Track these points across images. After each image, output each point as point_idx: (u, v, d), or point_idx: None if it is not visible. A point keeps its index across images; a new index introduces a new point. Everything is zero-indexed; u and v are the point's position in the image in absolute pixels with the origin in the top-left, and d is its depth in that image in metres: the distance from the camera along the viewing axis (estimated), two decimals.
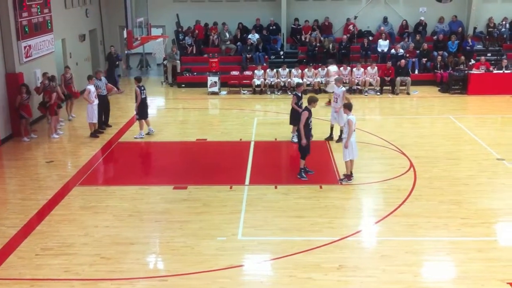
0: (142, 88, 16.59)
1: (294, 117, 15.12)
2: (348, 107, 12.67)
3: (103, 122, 17.72)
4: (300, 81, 20.78)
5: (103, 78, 17.74)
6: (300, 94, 15.31)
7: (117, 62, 23.84)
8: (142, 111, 16.64)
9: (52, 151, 15.81)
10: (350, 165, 12.74)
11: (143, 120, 16.78)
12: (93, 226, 10.77)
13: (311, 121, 12.93)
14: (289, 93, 21.58)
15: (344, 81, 22.67)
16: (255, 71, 22.93)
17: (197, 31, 25.62)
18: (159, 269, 9.44)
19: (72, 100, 19.12)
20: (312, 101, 12.97)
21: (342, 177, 12.92)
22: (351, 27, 25.57)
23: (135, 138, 16.71)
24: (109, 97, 17.99)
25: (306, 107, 12.96)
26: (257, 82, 22.74)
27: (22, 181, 13.43)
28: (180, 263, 9.36)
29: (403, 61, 22.49)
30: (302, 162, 13.13)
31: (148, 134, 16.84)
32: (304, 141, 12.69)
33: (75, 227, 10.76)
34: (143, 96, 16.50)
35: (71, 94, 18.81)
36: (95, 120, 16.88)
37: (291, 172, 13.52)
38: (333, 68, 21.51)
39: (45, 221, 11.04)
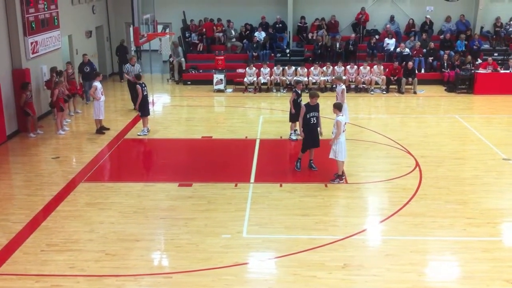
0: (143, 85, 16.65)
1: (292, 114, 15.51)
2: (337, 107, 12.60)
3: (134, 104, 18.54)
4: (300, 78, 20.80)
5: (136, 65, 18.67)
6: (299, 92, 15.40)
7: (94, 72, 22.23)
8: (143, 108, 16.73)
9: (58, 147, 15.84)
10: (341, 165, 12.71)
11: (145, 117, 16.85)
12: (98, 223, 10.79)
13: (312, 116, 13.07)
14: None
15: (350, 80, 22.74)
16: (261, 69, 22.92)
17: (205, 30, 25.58)
18: (164, 266, 9.46)
19: (76, 96, 19.17)
20: (311, 96, 13.15)
21: (333, 177, 12.83)
22: (362, 17, 25.43)
23: (138, 135, 16.73)
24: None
25: (307, 102, 13.26)
26: (262, 80, 22.75)
27: (28, 177, 13.47)
28: (184, 260, 9.38)
29: (410, 63, 22.38)
30: (301, 153, 13.48)
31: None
32: (302, 134, 13.27)
33: (80, 223, 10.79)
34: (144, 94, 16.57)
35: (74, 89, 18.81)
36: (102, 117, 16.91)
37: (297, 171, 13.50)
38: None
39: (50, 217, 11.08)
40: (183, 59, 24.59)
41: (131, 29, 24.21)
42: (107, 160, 14.91)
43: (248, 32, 25.53)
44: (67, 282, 8.72)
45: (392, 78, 22.41)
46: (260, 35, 25.05)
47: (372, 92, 22.38)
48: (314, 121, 13.11)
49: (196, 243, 9.93)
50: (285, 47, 25.26)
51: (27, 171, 13.83)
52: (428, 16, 25.64)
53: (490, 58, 22.68)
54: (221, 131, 17.36)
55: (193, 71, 24.51)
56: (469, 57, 23.21)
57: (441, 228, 10.50)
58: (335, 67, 22.79)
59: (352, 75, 22.75)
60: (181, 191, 12.37)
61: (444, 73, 23.13)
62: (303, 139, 13.32)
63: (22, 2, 16.67)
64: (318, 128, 13.29)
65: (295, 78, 21.51)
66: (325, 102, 19.59)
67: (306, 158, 13.55)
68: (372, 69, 22.57)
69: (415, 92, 22.25)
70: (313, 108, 13.11)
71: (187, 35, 25.75)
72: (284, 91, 22.61)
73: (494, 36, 25.45)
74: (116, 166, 15.08)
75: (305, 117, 13.03)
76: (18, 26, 16.65)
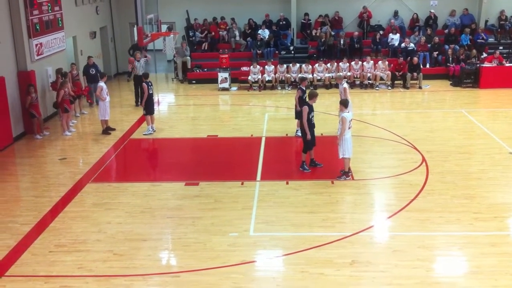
0: (150, 84, 16.70)
1: (297, 112, 15.34)
2: (344, 103, 12.55)
3: (138, 101, 19.57)
4: (304, 75, 20.72)
5: (141, 60, 19.87)
6: (304, 88, 15.36)
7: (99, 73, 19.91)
8: (148, 107, 16.77)
9: (65, 148, 15.89)
10: (347, 162, 12.69)
11: (150, 116, 16.90)
12: (105, 223, 10.83)
13: (313, 116, 13.07)
14: None
15: (355, 76, 22.69)
16: (266, 66, 22.90)
17: (213, 33, 25.55)
18: (172, 265, 9.50)
19: (81, 97, 19.22)
20: (313, 96, 13.10)
21: (340, 174, 12.81)
22: (365, 15, 25.38)
23: (144, 134, 16.77)
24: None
25: (306, 102, 13.22)
26: (267, 77, 22.74)
27: (35, 178, 13.53)
28: (192, 259, 9.40)
29: (415, 59, 22.31)
30: (304, 155, 13.36)
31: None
32: (308, 136, 12.98)
33: (88, 223, 10.84)
34: (150, 92, 16.62)
35: (79, 91, 18.85)
36: (107, 117, 16.96)
37: (306, 172, 13.44)
38: None
39: (58, 218, 11.13)
40: (189, 57, 24.61)
41: (135, 29, 24.24)
42: (114, 160, 14.95)
43: (251, 30, 25.47)
44: (75, 283, 8.76)
45: (397, 73, 22.35)
46: (264, 33, 25.03)
47: (377, 88, 22.32)
48: (313, 120, 13.15)
49: (203, 242, 9.95)
50: (289, 44, 25.23)
51: (34, 173, 13.88)
52: (432, 11, 25.54)
53: (497, 52, 22.56)
54: (226, 129, 17.36)
55: (197, 70, 24.52)
56: (474, 51, 23.11)
57: (448, 223, 10.48)
58: (340, 64, 22.74)
59: (357, 71, 22.69)
60: (188, 190, 12.39)
61: (449, 67, 23.04)
62: (306, 141, 13.18)
63: (26, 4, 16.72)
64: None
65: (299, 75, 21.46)
66: (330, 99, 19.63)
67: (307, 159, 13.53)
68: (376, 65, 22.51)
69: (420, 87, 22.18)
70: (313, 107, 13.13)
71: (191, 34, 25.76)
72: (289, 89, 22.58)
73: (499, 30, 25.31)
74: (123, 166, 15.13)
75: (308, 117, 12.95)
76: (22, 28, 16.70)
